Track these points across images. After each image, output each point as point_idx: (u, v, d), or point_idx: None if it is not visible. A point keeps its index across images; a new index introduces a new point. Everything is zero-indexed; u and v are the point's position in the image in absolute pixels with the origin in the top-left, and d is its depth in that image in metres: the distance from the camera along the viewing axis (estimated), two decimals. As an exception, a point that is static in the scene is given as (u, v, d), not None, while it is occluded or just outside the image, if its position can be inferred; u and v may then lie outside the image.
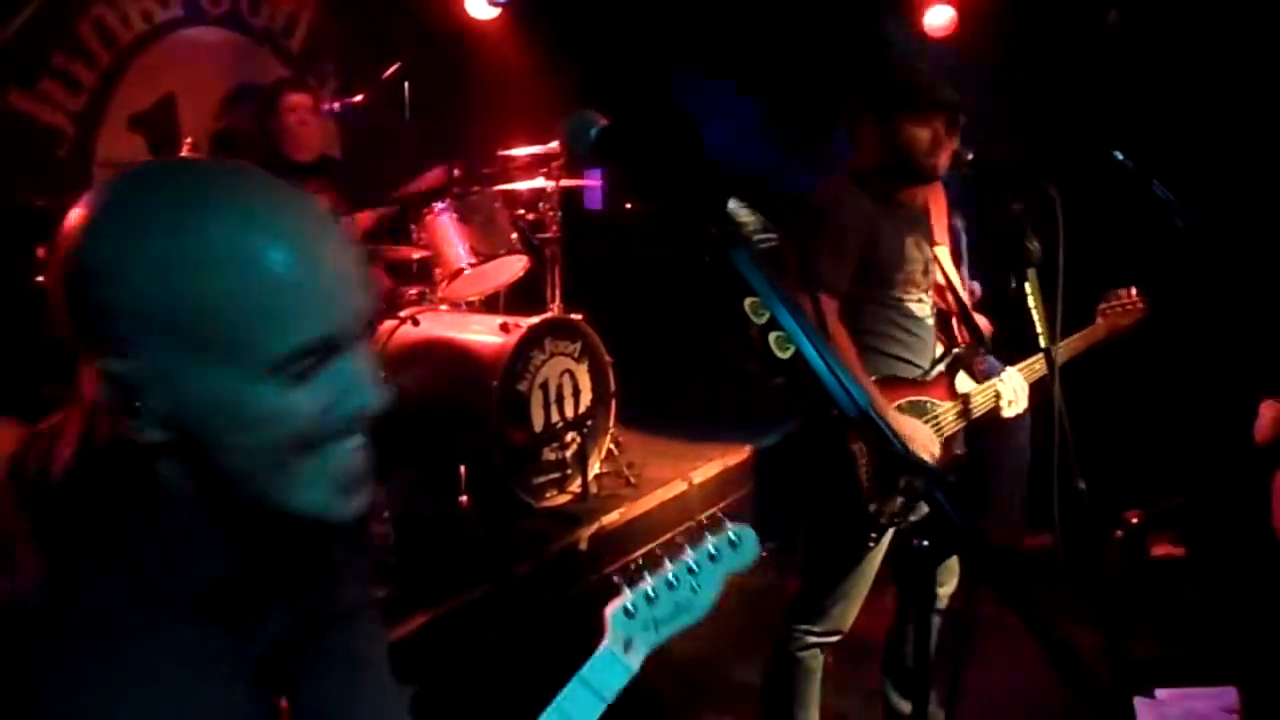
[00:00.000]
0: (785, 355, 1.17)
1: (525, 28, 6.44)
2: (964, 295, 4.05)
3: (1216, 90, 5.76)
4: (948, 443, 3.24)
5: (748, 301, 1.25)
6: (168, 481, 0.98)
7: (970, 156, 3.20)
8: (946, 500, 1.21)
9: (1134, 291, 3.75)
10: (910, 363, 3.23)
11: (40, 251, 4.06)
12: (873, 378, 3.12)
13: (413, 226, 4.96)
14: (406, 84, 5.29)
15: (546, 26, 6.52)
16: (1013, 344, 3.60)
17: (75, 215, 0.91)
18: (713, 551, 1.62)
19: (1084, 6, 6.13)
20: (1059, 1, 6.08)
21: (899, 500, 3.02)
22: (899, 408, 3.15)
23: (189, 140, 4.45)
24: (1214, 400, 5.20)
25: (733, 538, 1.64)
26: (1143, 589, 4.84)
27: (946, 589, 3.37)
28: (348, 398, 0.97)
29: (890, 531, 3.12)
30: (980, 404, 3.32)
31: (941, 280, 3.51)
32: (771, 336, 1.28)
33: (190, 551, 1.00)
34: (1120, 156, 4.68)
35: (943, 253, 4.30)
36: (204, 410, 0.93)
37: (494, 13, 6.19)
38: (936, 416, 3.22)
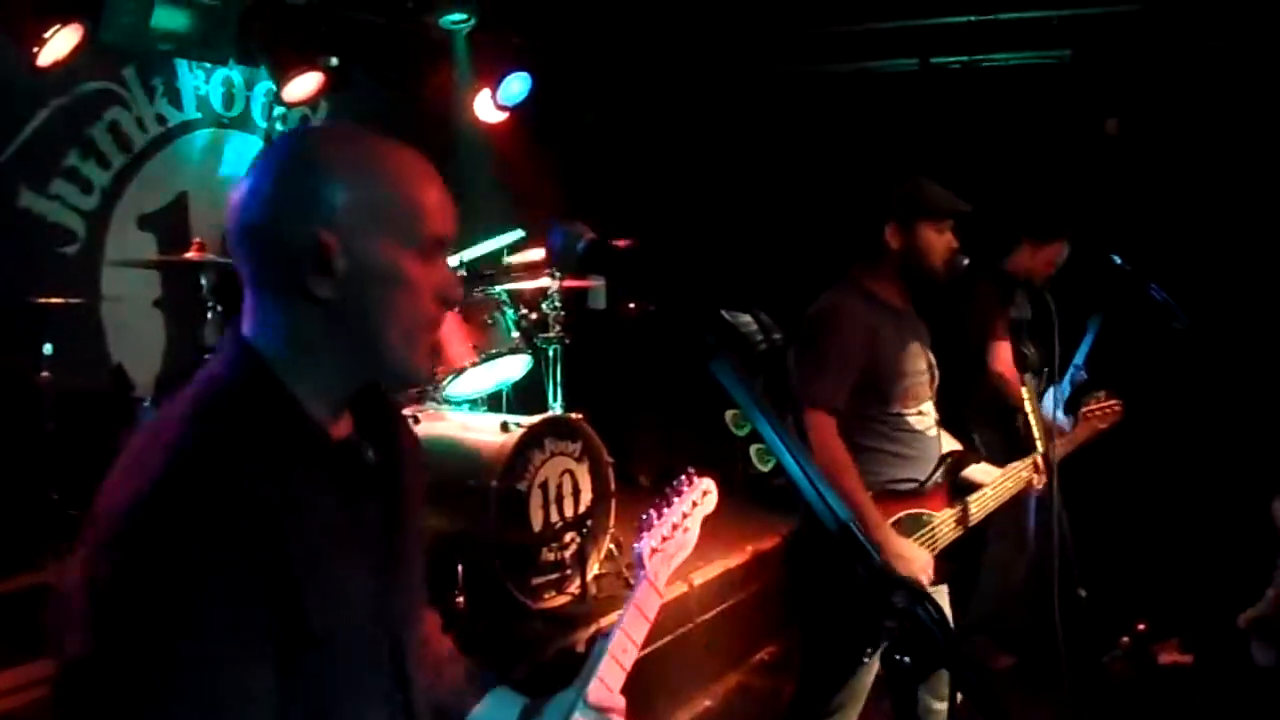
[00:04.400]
0: (765, 468, 1.19)
1: (531, 132, 6.57)
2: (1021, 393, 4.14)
3: (1214, 195, 5.83)
4: (943, 554, 3.22)
5: (728, 414, 1.27)
6: (318, 341, 1.34)
7: (966, 262, 3.24)
8: (928, 617, 1.20)
9: (1111, 394, 3.81)
10: (908, 477, 3.24)
11: (47, 347, 4.10)
12: (869, 493, 3.12)
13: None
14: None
15: (552, 131, 6.65)
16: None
17: (305, 155, 1.35)
18: (695, 500, 2.03)
19: (1083, 114, 6.24)
20: (1058, 109, 6.19)
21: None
22: (896, 522, 3.15)
23: (197, 240, 4.50)
24: (1219, 503, 5.17)
25: (705, 488, 2.05)
26: (1150, 698, 4.76)
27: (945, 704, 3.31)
28: (449, 285, 1.39)
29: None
30: (977, 512, 3.30)
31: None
32: (752, 449, 1.30)
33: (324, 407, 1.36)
34: (1119, 260, 4.76)
35: (1006, 348, 4.44)
36: (374, 272, 1.32)
37: (501, 116, 6.32)
38: (933, 528, 3.21)
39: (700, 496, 2.04)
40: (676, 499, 2.01)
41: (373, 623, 1.38)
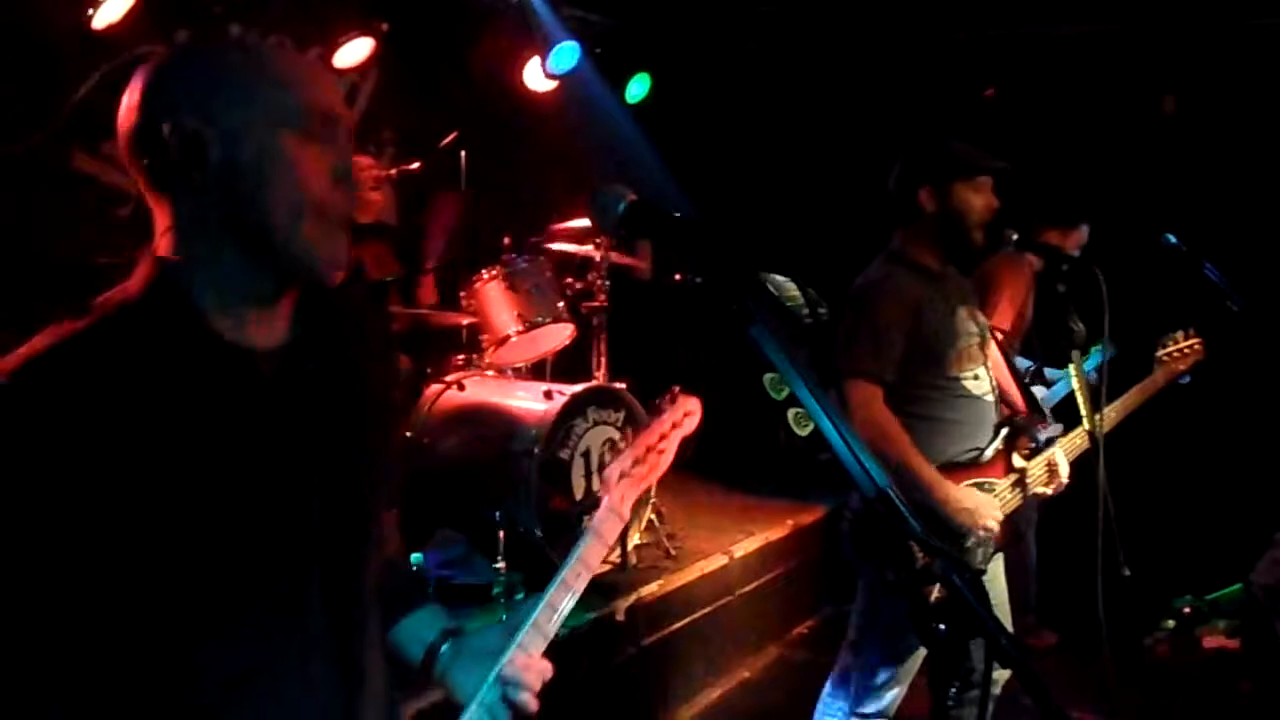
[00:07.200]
0: (804, 432, 1.18)
1: (580, 101, 6.55)
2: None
3: (1272, 174, 5.72)
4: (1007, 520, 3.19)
5: (767, 377, 1.26)
6: (211, 237, 1.34)
7: (1015, 236, 3.20)
8: (965, 585, 1.19)
9: (1191, 334, 3.69)
10: (967, 448, 3.19)
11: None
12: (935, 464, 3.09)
13: (461, 293, 5.01)
14: (463, 153, 5.36)
15: (599, 100, 6.63)
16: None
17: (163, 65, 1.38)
18: (675, 420, 1.94)
19: (1140, 92, 6.13)
20: (1114, 86, 6.08)
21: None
22: None
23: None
24: (1268, 483, 5.08)
25: (687, 408, 1.95)
26: (1194, 682, 4.71)
27: (1005, 673, 3.27)
28: (342, 164, 1.36)
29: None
30: (1036, 477, 3.26)
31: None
32: (790, 413, 1.29)
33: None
34: (1173, 240, 4.67)
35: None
36: (250, 155, 1.30)
37: (550, 85, 6.30)
38: (996, 495, 3.17)
39: (681, 417, 1.96)
40: (655, 420, 1.94)
41: (288, 532, 1.35)
